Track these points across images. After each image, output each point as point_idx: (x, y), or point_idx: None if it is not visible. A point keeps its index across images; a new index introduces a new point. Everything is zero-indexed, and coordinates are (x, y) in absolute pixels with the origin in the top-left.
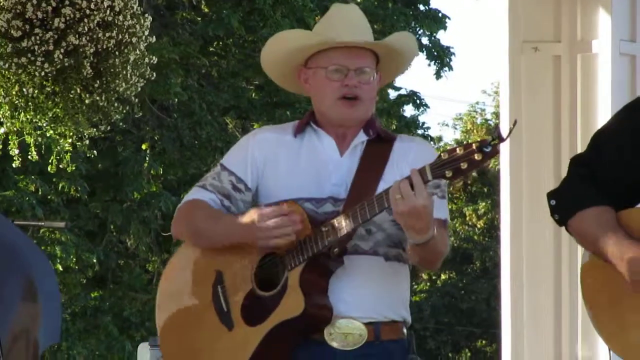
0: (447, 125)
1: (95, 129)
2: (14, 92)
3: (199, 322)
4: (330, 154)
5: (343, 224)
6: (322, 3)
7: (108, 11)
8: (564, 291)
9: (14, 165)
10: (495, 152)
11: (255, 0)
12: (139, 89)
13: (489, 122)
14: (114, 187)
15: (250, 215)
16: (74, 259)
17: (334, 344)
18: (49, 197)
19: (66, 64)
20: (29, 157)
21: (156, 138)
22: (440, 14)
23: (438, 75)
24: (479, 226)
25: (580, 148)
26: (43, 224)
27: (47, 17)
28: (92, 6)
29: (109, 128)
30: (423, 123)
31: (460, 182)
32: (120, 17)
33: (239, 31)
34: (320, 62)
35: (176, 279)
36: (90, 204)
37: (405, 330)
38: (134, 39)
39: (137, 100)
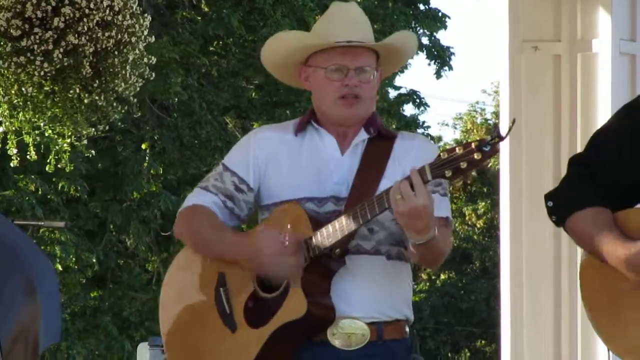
0: (447, 125)
1: (93, 129)
2: (12, 92)
3: (202, 324)
4: (331, 153)
5: (344, 225)
6: (322, 2)
7: (107, 11)
8: (563, 291)
9: (12, 164)
10: (494, 151)
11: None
12: (138, 88)
13: (489, 121)
14: (113, 186)
15: (252, 240)
16: (74, 259)
17: (337, 344)
18: (48, 196)
19: (65, 64)
20: (28, 156)
21: (156, 137)
22: (440, 14)
23: (438, 74)
24: (478, 226)
25: (580, 147)
26: (43, 223)
27: (46, 17)
28: (92, 6)
29: (107, 128)
30: (423, 122)
31: (460, 181)
32: (120, 17)
33: (239, 30)
34: (320, 62)
35: (179, 281)
36: (89, 203)
37: (407, 329)
38: (133, 39)
39: (135, 100)
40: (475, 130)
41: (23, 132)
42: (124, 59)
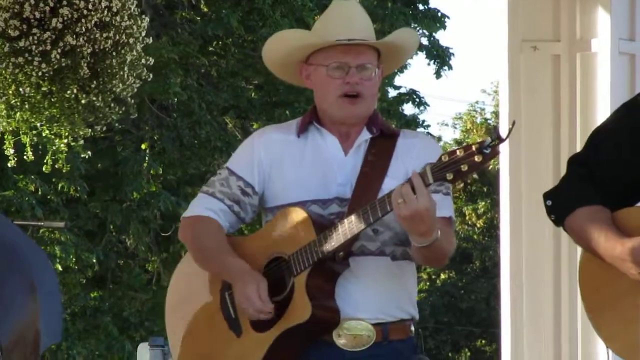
0: (446, 124)
1: (90, 130)
2: (10, 92)
3: (208, 328)
4: (334, 154)
5: (347, 228)
6: (322, 2)
7: (105, 12)
8: (563, 290)
9: (9, 165)
10: (495, 154)
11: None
12: (135, 89)
13: (489, 121)
14: (113, 186)
15: (249, 280)
16: (74, 259)
17: (343, 345)
18: (48, 197)
19: (63, 64)
20: (25, 157)
21: (155, 138)
22: (439, 14)
23: (438, 74)
24: (478, 225)
25: (579, 147)
26: (42, 223)
27: (44, 17)
28: (90, 6)
29: (104, 129)
30: (423, 121)
31: (461, 183)
32: (118, 18)
33: (238, 31)
34: (321, 60)
35: (185, 285)
36: (89, 203)
37: (413, 328)
38: (131, 40)
39: (133, 101)
40: (474, 130)
41: (20, 132)
42: (121, 60)
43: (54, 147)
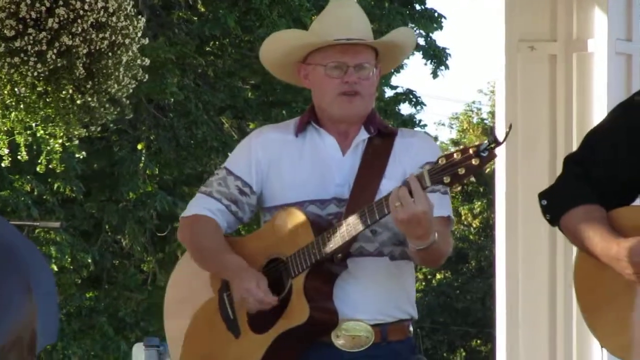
0: (443, 124)
1: (85, 130)
2: (5, 92)
3: (207, 329)
4: (332, 154)
5: (344, 231)
6: (319, 3)
7: (102, 12)
8: (559, 291)
9: (2, 164)
10: (492, 157)
11: (252, 0)
12: (131, 90)
13: (485, 121)
14: (109, 187)
15: (248, 276)
16: (69, 259)
17: (341, 346)
18: (44, 197)
19: (59, 64)
20: (19, 157)
21: (152, 138)
22: (436, 14)
23: (435, 74)
24: (474, 225)
25: (575, 147)
26: (38, 224)
27: (40, 17)
28: (86, 7)
29: (99, 129)
30: (420, 121)
31: (459, 186)
32: (114, 18)
33: (235, 31)
34: (319, 59)
35: (183, 285)
36: (85, 203)
37: (411, 328)
38: (127, 41)
39: (128, 102)
40: (471, 130)
41: (15, 132)
42: (117, 60)
43: (48, 147)
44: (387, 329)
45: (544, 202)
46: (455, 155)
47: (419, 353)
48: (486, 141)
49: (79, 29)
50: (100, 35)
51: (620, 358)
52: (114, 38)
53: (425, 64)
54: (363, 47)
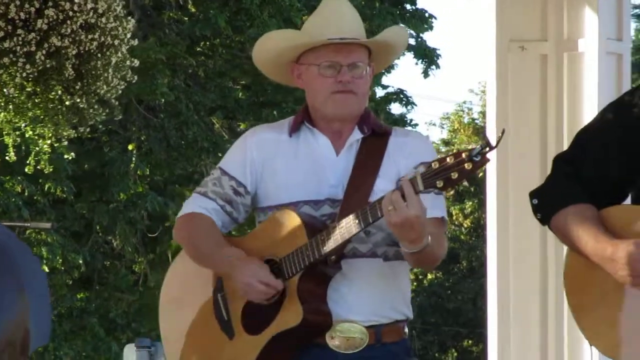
0: (434, 124)
1: (74, 131)
2: None
3: (201, 330)
4: (326, 154)
5: (338, 232)
6: (310, 3)
7: (91, 13)
8: (550, 291)
9: None
10: (485, 161)
11: (242, 0)
12: (120, 91)
13: (476, 121)
14: (100, 187)
15: (248, 266)
16: (60, 260)
17: (336, 347)
18: (35, 197)
19: (48, 65)
20: (7, 157)
21: (143, 138)
22: (427, 14)
23: (426, 73)
24: (465, 225)
25: (566, 146)
26: (29, 224)
27: (29, 18)
28: (76, 8)
29: (88, 130)
30: (411, 120)
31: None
32: (103, 20)
33: (225, 31)
34: (312, 59)
35: (178, 285)
36: (76, 204)
37: (406, 329)
38: (116, 42)
39: (117, 103)
40: (462, 130)
41: (3, 132)
42: (106, 61)
43: (37, 148)
44: (382, 330)
45: (535, 201)
46: (448, 160)
47: (414, 355)
48: (479, 146)
49: (68, 30)
50: (90, 37)
51: (609, 357)
52: (103, 39)
53: (416, 64)
54: (356, 46)
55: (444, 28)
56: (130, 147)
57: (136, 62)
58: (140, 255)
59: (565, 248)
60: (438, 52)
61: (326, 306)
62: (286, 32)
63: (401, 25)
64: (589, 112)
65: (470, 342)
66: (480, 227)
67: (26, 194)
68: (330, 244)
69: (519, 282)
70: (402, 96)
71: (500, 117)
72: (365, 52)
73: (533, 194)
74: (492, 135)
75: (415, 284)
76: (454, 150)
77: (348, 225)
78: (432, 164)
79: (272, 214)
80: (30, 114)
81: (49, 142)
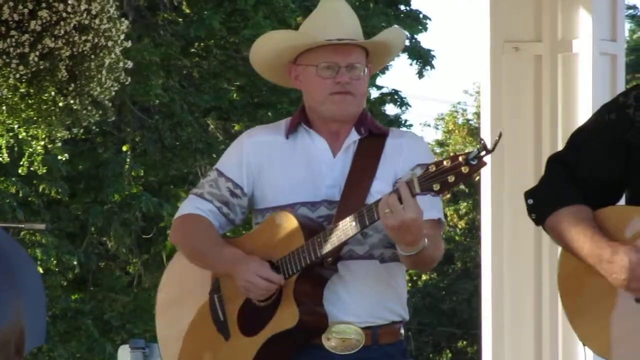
0: (428, 125)
1: (67, 132)
2: None
3: (198, 330)
4: (323, 156)
5: (335, 235)
6: (304, 4)
7: (85, 14)
8: (544, 292)
9: None
10: (481, 165)
11: (237, 1)
12: (113, 93)
13: (471, 122)
14: (94, 188)
15: (250, 264)
16: (55, 261)
17: (332, 348)
18: (29, 198)
19: (41, 67)
20: (0, 159)
21: (137, 139)
22: (421, 15)
23: (420, 74)
24: (460, 226)
25: (560, 147)
26: (23, 225)
27: (23, 20)
28: (69, 9)
29: (82, 131)
30: (405, 121)
31: (448, 193)
32: (97, 21)
33: (220, 32)
34: (310, 60)
35: (175, 286)
36: (70, 205)
37: (402, 331)
38: (110, 43)
39: (110, 104)
40: (457, 131)
41: None
42: (100, 63)
43: (30, 149)
44: (378, 331)
45: (530, 201)
46: (445, 163)
47: (410, 357)
48: (476, 149)
49: (62, 32)
50: (83, 38)
51: (603, 358)
52: (96, 40)
53: (411, 64)
54: (354, 47)
55: (439, 29)
56: (124, 148)
57: (130, 64)
58: (134, 256)
59: (560, 248)
60: (432, 53)
61: (322, 308)
62: (285, 32)
63: (396, 26)
64: (584, 112)
65: (464, 342)
66: (474, 228)
67: (20, 195)
68: (327, 246)
69: (514, 283)
70: (396, 97)
71: (494, 118)
72: (363, 53)
73: (528, 194)
74: (488, 138)
75: (409, 284)
76: (449, 152)
77: (345, 228)
78: (429, 167)
79: (269, 216)
80: (23, 115)
81: (42, 143)
